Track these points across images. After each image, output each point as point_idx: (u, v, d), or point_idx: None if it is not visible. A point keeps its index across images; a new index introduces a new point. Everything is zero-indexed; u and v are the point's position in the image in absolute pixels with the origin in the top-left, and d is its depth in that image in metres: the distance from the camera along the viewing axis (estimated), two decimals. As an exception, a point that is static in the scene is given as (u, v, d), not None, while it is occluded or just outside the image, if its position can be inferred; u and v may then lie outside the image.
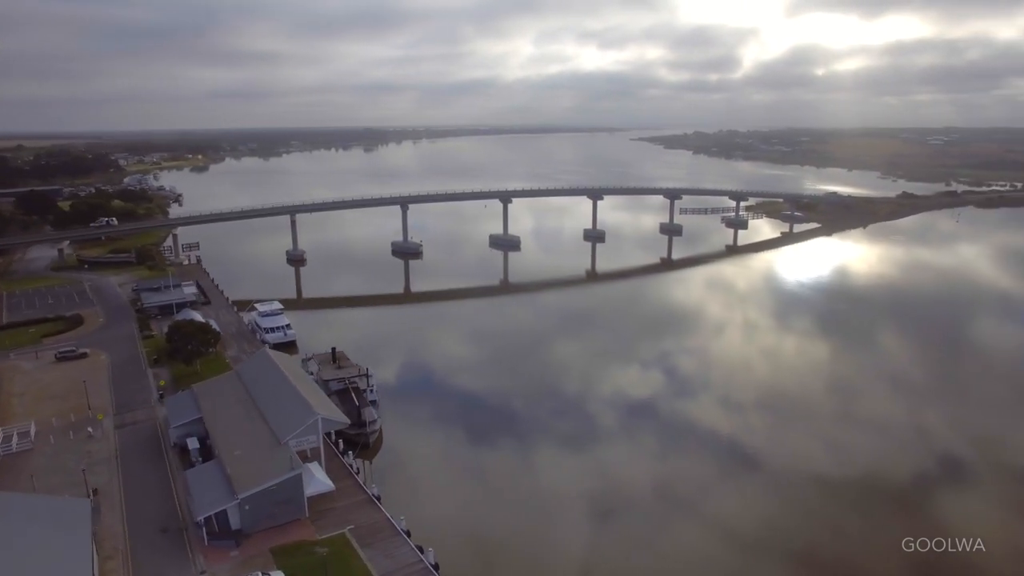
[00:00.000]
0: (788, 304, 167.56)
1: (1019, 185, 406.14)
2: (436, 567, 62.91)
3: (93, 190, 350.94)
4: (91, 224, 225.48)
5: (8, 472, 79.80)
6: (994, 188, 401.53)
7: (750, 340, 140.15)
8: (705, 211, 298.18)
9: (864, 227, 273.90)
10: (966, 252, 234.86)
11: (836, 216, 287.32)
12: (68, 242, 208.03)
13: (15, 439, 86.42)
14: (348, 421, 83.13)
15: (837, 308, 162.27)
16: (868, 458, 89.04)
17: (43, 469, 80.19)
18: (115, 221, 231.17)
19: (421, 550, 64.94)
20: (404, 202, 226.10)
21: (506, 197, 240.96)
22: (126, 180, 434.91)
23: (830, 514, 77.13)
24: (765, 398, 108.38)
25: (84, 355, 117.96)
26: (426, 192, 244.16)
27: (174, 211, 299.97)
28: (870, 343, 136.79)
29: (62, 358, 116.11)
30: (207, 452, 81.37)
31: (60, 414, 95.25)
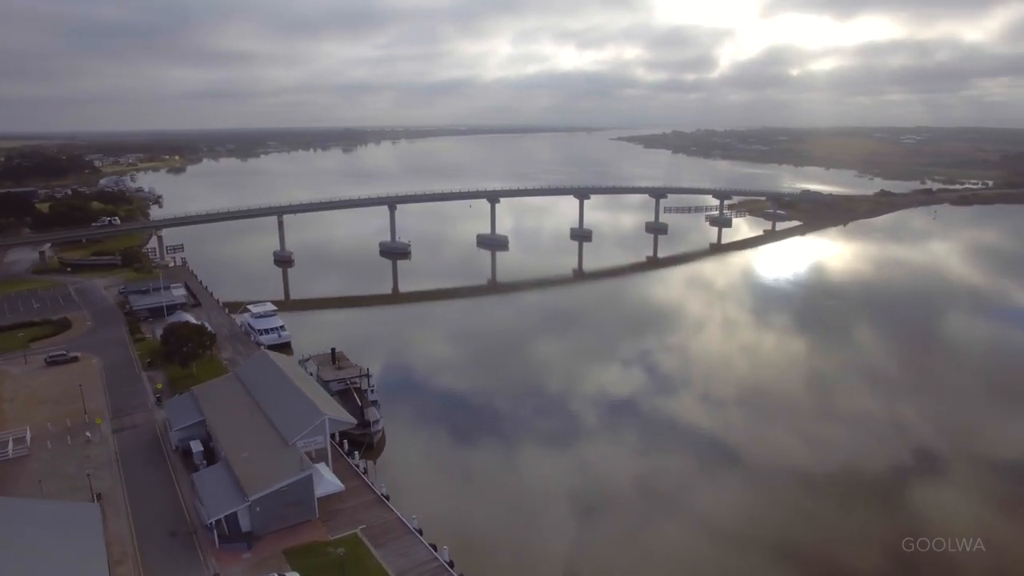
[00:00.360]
0: (774, 301, 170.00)
1: (990, 183, 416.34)
2: (451, 564, 63.19)
3: (69, 192, 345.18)
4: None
5: (6, 478, 78.44)
6: (967, 186, 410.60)
7: (740, 337, 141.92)
8: (689, 210, 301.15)
9: (844, 224, 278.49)
10: (947, 249, 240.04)
11: (817, 214, 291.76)
12: (49, 244, 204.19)
13: (10, 445, 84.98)
14: (354, 421, 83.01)
15: (825, 305, 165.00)
16: (858, 454, 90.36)
17: (41, 475, 78.53)
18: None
19: (435, 548, 65.19)
20: (392, 202, 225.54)
21: (494, 197, 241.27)
22: (102, 182, 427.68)
23: (818, 512, 78.05)
24: (755, 394, 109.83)
25: (75, 359, 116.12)
26: (414, 192, 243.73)
27: (154, 213, 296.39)
28: (859, 340, 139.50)
29: (52, 362, 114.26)
30: (211, 455, 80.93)
31: (55, 419, 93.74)
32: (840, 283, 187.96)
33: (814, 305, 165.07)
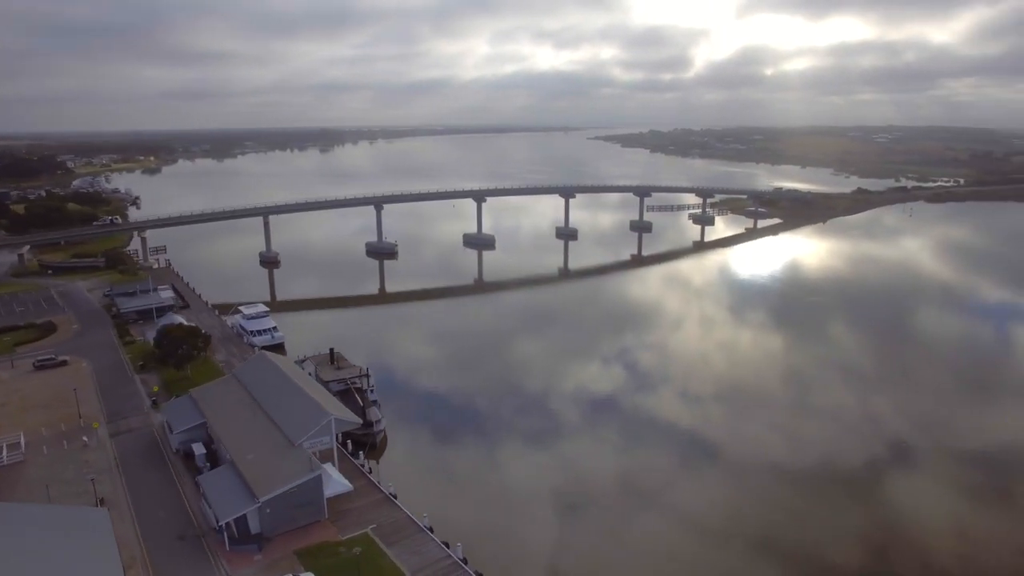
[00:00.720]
0: (756, 298, 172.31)
1: (961, 181, 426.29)
2: (464, 562, 63.48)
3: (43, 193, 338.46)
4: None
5: (2, 484, 76.97)
6: (940, 184, 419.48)
7: (723, 334, 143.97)
8: (672, 208, 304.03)
9: (824, 222, 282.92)
10: (924, 245, 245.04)
11: (797, 212, 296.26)
12: (28, 247, 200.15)
13: (4, 451, 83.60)
14: (360, 421, 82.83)
15: (808, 301, 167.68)
16: (838, 450, 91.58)
17: (39, 480, 77.45)
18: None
19: (447, 545, 65.44)
20: (378, 202, 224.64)
21: (480, 196, 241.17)
22: (76, 183, 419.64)
23: (801, 507, 78.97)
24: (735, 391, 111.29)
25: (64, 363, 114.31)
26: (400, 192, 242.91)
27: (132, 214, 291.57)
28: (839, 336, 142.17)
29: (41, 366, 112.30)
30: (213, 457, 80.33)
31: (49, 424, 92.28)
32: (821, 280, 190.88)
33: (796, 302, 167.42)
